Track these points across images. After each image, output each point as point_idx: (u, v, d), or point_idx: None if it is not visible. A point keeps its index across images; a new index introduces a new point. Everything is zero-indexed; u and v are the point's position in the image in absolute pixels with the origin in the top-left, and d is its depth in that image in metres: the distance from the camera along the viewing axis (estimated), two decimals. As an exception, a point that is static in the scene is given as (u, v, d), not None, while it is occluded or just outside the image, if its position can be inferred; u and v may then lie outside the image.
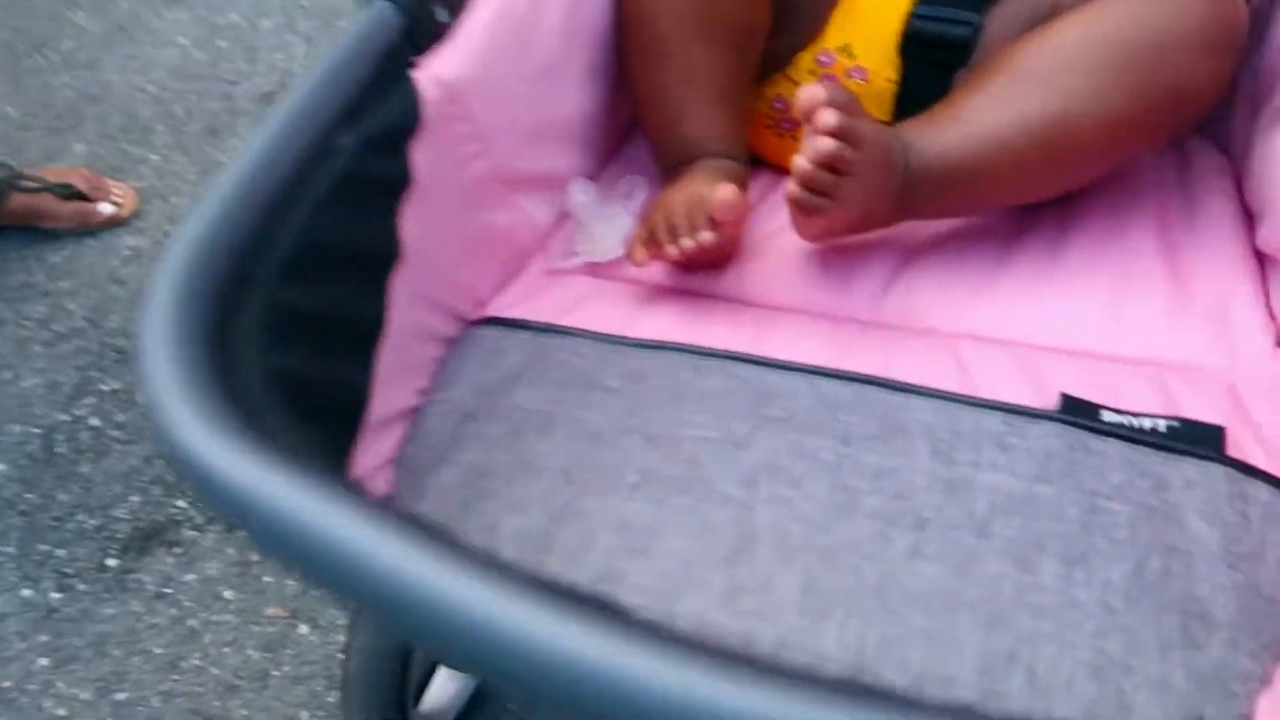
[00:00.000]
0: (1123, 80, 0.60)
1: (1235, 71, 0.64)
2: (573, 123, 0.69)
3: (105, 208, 1.40)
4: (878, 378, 0.56)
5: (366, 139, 0.48)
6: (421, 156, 0.53)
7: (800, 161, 0.57)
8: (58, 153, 1.56)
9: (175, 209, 1.54)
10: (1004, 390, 0.56)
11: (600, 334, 0.60)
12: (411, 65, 0.54)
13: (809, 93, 0.56)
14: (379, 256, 0.51)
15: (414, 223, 0.53)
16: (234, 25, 1.80)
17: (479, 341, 0.60)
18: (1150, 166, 0.73)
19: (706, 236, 0.60)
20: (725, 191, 0.59)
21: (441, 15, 0.55)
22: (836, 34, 0.71)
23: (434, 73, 0.54)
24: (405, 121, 0.52)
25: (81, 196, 1.35)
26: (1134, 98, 0.60)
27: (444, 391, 0.56)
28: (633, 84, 0.70)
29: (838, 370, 0.56)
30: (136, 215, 1.48)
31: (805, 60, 0.72)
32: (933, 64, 0.70)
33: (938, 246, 0.68)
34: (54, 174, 1.37)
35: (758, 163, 0.77)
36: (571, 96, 0.68)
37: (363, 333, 0.50)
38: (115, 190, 1.40)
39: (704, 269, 0.66)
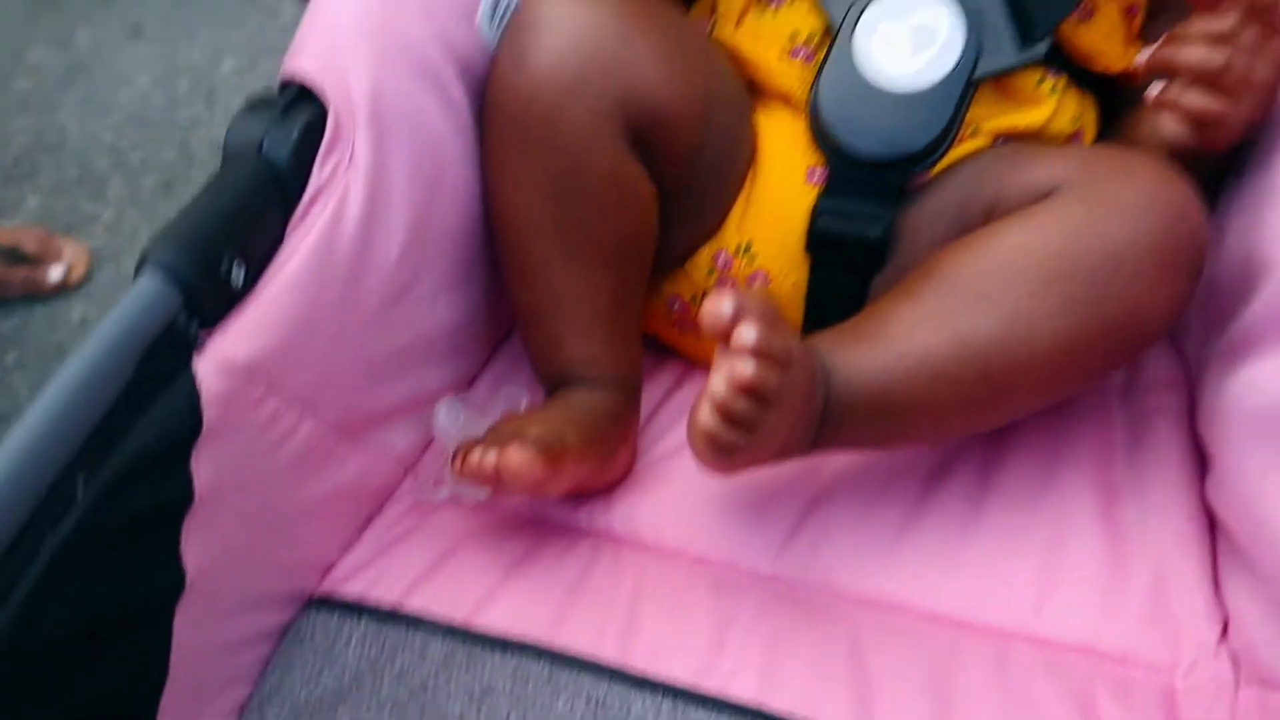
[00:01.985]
0: (1072, 301, 0.52)
1: (1196, 293, 0.55)
2: (434, 340, 0.61)
3: (55, 273, 1.36)
4: (750, 708, 0.50)
5: (119, 473, 0.41)
6: (208, 464, 0.46)
7: (715, 388, 0.47)
8: (11, 206, 1.52)
9: (126, 273, 1.49)
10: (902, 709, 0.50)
11: (449, 625, 0.54)
12: (195, 346, 0.46)
13: (715, 307, 0.47)
14: (150, 597, 0.45)
15: (203, 540, 0.46)
16: (195, 65, 1.73)
17: (308, 636, 0.54)
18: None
19: (479, 494, 0.55)
20: (512, 458, 0.50)
21: (236, 277, 0.47)
22: (735, 231, 0.63)
23: (225, 357, 0.46)
24: (182, 432, 0.45)
25: (32, 259, 1.31)
26: (1084, 322, 0.52)
27: (257, 713, 0.50)
28: (509, 297, 0.62)
29: (710, 695, 0.51)
30: (88, 278, 1.44)
31: (703, 258, 0.63)
32: (844, 268, 0.61)
33: (850, 484, 0.61)
34: (4, 235, 1.33)
35: (665, 349, 0.69)
36: (427, 316, 0.59)
37: (137, 691, 0.44)
38: (67, 250, 1.35)
39: (566, 496, 0.59)
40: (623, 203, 0.57)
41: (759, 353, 0.45)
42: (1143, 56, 0.54)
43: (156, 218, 1.55)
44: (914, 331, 0.53)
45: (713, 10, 0.67)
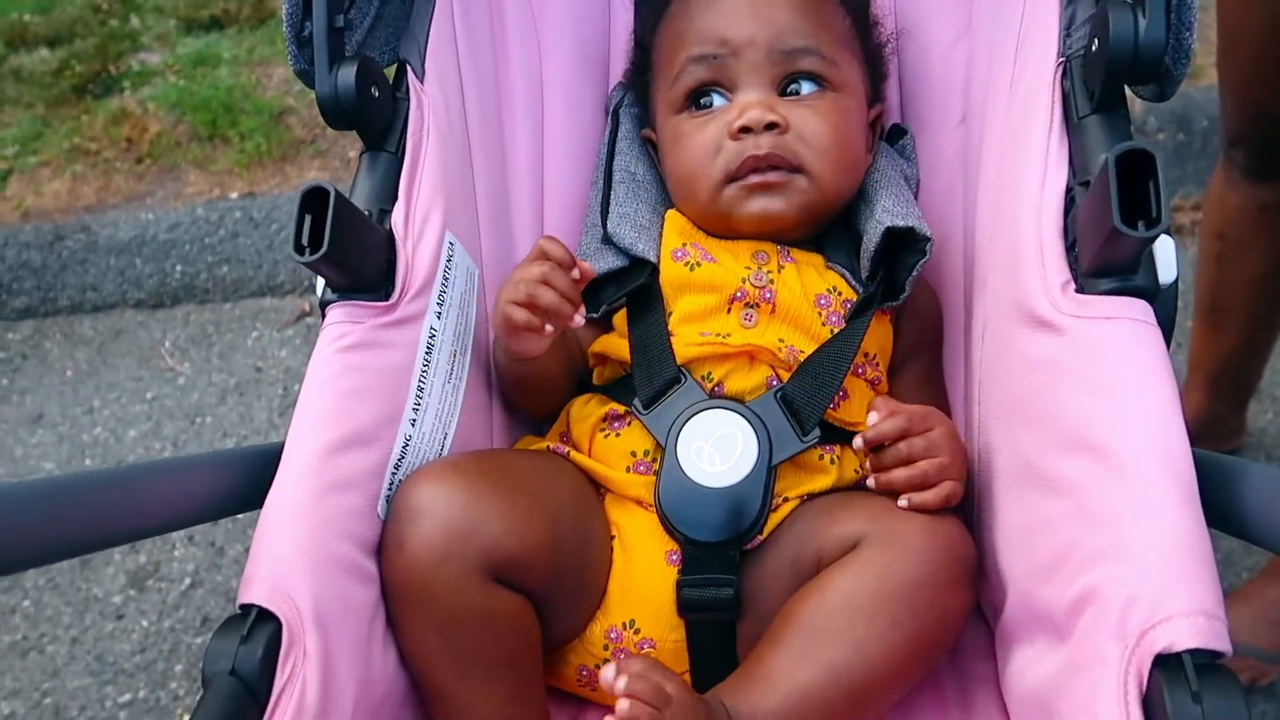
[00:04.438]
0: (896, 623, 0.68)
1: (975, 594, 0.72)
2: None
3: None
4: None
5: None
6: None
7: None
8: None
9: (51, 660, 1.53)
10: None
11: None
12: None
13: (605, 675, 0.63)
14: None
15: None
16: (99, 440, 1.83)
17: None
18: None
19: None
20: None
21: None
22: (619, 609, 0.77)
23: None
24: None
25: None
26: (909, 634, 0.69)
27: None
28: None
29: None
30: (11, 674, 1.47)
31: (596, 633, 0.78)
32: (712, 623, 0.76)
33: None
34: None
35: (581, 699, 0.83)
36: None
37: None
38: None
39: None
40: (500, 627, 0.71)
41: (630, 694, 0.62)
42: (871, 483, 0.75)
43: (79, 600, 1.60)
44: (794, 672, 0.69)
45: (567, 438, 0.85)
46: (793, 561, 0.76)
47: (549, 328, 0.78)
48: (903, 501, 0.72)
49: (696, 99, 0.90)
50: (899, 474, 0.72)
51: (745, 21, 0.87)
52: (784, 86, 0.88)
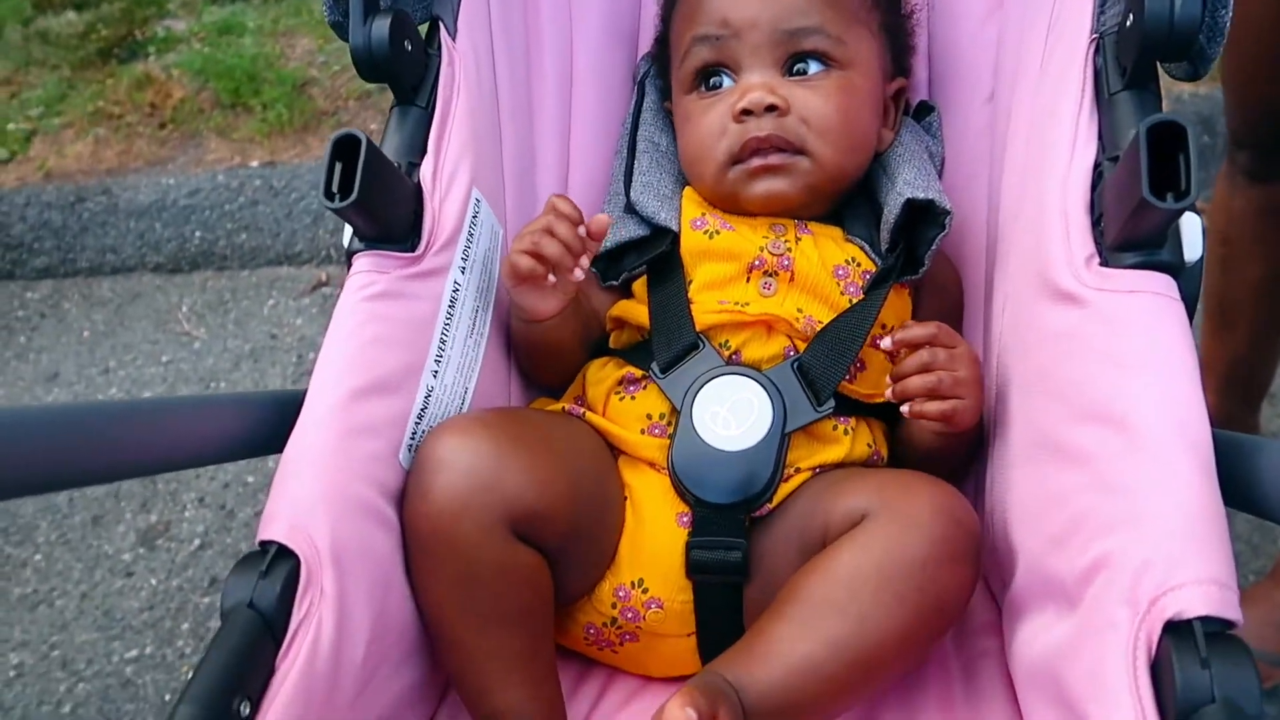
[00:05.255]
0: (900, 597, 0.68)
1: (980, 570, 0.72)
2: (398, 701, 0.73)
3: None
4: None
5: None
6: None
7: None
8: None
9: (60, 614, 1.55)
10: None
11: None
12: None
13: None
14: None
15: None
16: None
17: None
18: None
19: None
20: None
21: (245, 711, 0.59)
22: (629, 568, 0.78)
23: None
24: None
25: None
26: (912, 609, 0.69)
27: None
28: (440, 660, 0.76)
29: None
30: (20, 626, 1.49)
31: (606, 593, 0.79)
32: (720, 584, 0.77)
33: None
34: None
35: (587, 659, 0.83)
36: (391, 688, 0.72)
37: None
38: None
39: None
40: (516, 581, 0.72)
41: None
42: (889, 393, 0.76)
43: (89, 555, 1.62)
44: (796, 645, 0.69)
45: (582, 400, 0.86)
46: (800, 533, 0.76)
47: (551, 278, 0.79)
48: (905, 408, 0.74)
49: (705, 79, 0.90)
50: (914, 381, 0.74)
51: (748, 2, 0.87)
52: (791, 65, 0.88)
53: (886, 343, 0.76)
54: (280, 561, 0.63)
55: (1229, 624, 0.53)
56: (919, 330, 0.75)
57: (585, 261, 0.80)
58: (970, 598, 0.72)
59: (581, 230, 0.79)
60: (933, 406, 0.74)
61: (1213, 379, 1.39)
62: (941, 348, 0.75)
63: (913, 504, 0.70)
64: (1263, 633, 1.25)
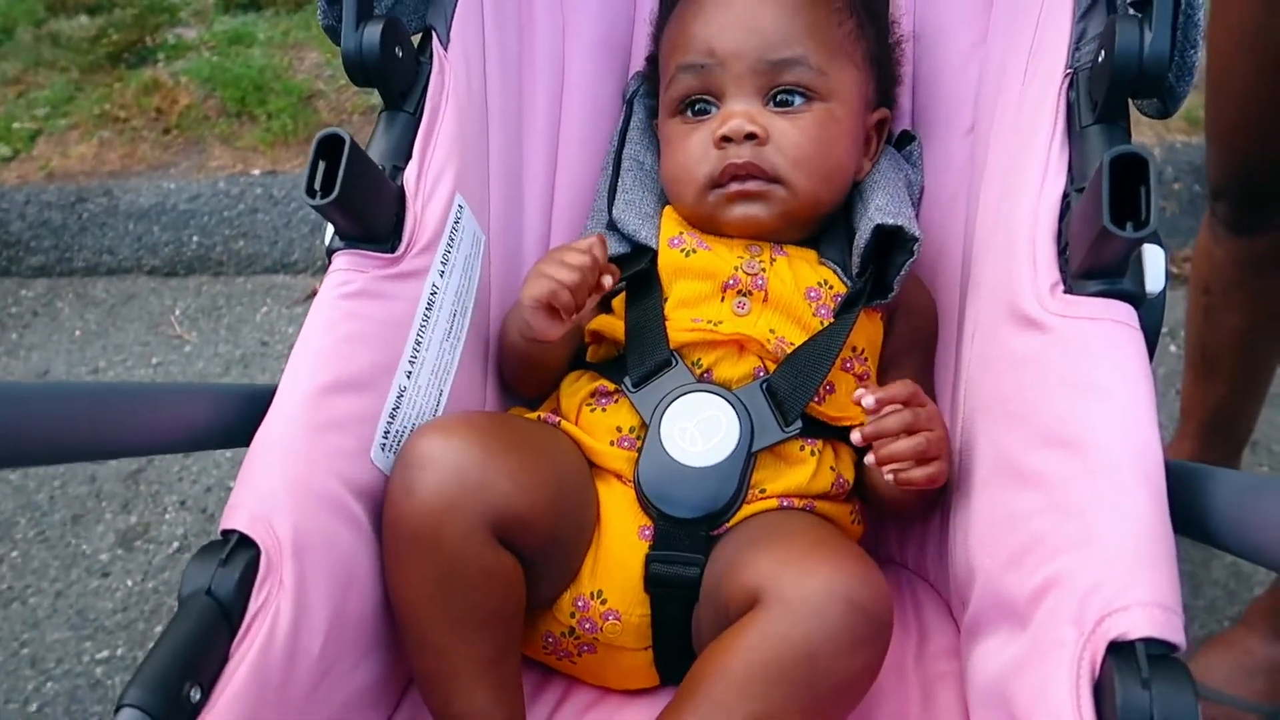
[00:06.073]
0: (792, 696, 0.65)
1: (890, 638, 0.70)
2: (354, 698, 0.73)
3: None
4: None
5: None
6: None
7: None
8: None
9: (33, 612, 1.54)
10: None
11: None
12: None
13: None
14: None
15: None
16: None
17: None
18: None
19: None
20: None
21: (195, 696, 0.60)
22: (589, 579, 0.78)
23: None
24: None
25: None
26: (806, 705, 0.66)
27: None
28: (408, 662, 0.76)
29: None
30: (-7, 623, 1.48)
31: (565, 601, 0.79)
32: (675, 600, 0.78)
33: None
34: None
35: (547, 666, 0.83)
36: (347, 684, 0.72)
37: None
38: None
39: None
40: (495, 584, 0.72)
41: None
42: (870, 459, 0.75)
43: (65, 553, 1.61)
44: None
45: (557, 411, 0.86)
46: (712, 595, 0.75)
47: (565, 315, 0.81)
48: (889, 476, 0.73)
49: (691, 105, 0.92)
50: (903, 445, 0.73)
51: (733, 32, 0.89)
52: (775, 95, 0.89)
53: (869, 401, 0.74)
54: (240, 551, 0.64)
55: (1172, 647, 0.53)
56: (899, 389, 0.74)
57: (595, 298, 0.82)
58: (874, 677, 0.69)
59: (607, 281, 0.81)
60: (919, 473, 0.73)
61: (1194, 426, 1.39)
62: (921, 407, 0.75)
63: (803, 590, 0.66)
64: (1234, 677, 1.24)
